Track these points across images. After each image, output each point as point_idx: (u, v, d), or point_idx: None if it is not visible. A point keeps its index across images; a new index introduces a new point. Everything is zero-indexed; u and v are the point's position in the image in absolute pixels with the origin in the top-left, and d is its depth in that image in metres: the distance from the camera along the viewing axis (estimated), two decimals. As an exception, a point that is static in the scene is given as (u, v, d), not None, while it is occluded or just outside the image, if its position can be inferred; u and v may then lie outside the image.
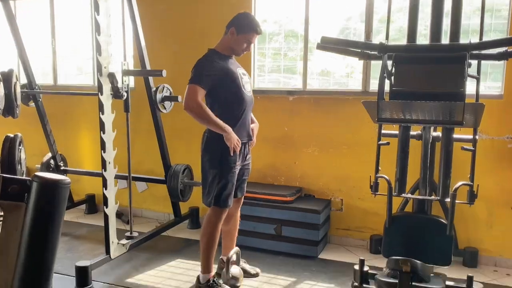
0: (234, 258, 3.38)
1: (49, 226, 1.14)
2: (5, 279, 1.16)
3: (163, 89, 3.98)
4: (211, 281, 3.10)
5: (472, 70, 2.66)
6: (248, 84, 3.15)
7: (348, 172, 4.08)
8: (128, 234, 3.77)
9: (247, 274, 3.46)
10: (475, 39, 2.59)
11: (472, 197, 2.66)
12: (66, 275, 3.40)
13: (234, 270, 3.28)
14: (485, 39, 2.69)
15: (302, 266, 3.66)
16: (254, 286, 3.33)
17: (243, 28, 3.02)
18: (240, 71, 3.10)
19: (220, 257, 3.48)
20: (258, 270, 3.53)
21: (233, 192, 3.08)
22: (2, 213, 1.22)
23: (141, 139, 4.64)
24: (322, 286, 3.35)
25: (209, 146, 3.07)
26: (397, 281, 2.62)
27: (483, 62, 2.73)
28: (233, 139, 2.97)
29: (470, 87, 2.80)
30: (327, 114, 4.11)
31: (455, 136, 2.79)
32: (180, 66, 4.52)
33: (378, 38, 3.98)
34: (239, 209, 3.41)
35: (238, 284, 3.27)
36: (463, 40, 2.74)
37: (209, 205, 3.09)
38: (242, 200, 3.40)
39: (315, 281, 3.42)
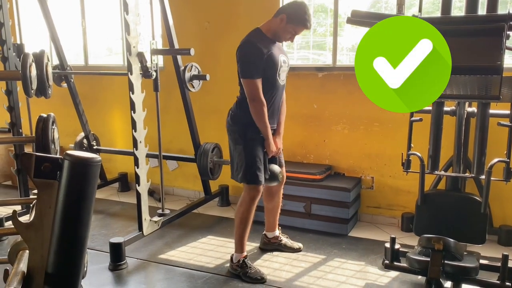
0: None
1: (81, 202, 1.16)
2: (41, 254, 1.19)
3: (191, 67, 3.98)
4: (241, 261, 3.14)
5: (510, 42, 2.55)
6: (285, 72, 3.12)
7: (379, 149, 4.02)
8: (160, 211, 3.84)
9: (288, 249, 3.51)
10: (514, 9, 2.47)
11: (508, 174, 2.60)
12: (101, 251, 3.51)
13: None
14: (525, 9, 2.57)
15: (332, 244, 3.65)
16: (283, 262, 3.36)
17: (294, 19, 2.96)
18: (282, 58, 3.05)
19: (263, 233, 3.56)
20: (300, 245, 3.57)
21: (262, 168, 3.07)
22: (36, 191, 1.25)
23: (171, 118, 4.68)
24: (352, 263, 3.34)
25: (234, 123, 3.09)
26: (428, 259, 2.59)
27: (522, 33, 2.61)
28: (272, 146, 3.06)
29: (508, 60, 2.69)
30: (358, 90, 3.97)
31: (491, 111, 2.71)
32: (208, 44, 4.52)
33: (410, 12, 3.86)
34: (282, 187, 3.44)
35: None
36: (501, 10, 2.62)
37: (240, 181, 3.11)
38: (285, 178, 3.41)
39: (345, 258, 3.42)
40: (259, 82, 2.92)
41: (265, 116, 2.97)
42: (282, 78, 3.08)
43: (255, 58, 2.90)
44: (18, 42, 4.14)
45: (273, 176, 3.17)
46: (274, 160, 3.22)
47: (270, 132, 3.04)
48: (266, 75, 2.96)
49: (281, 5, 4.20)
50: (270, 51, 2.95)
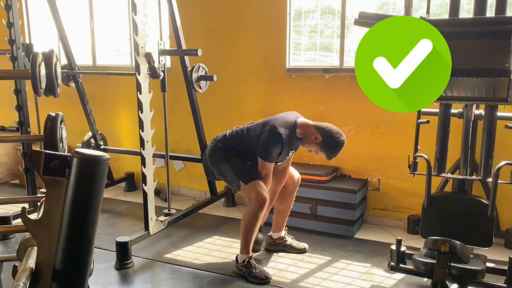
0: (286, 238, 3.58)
1: (89, 199, 1.18)
2: (49, 250, 1.21)
3: (198, 68, 4.00)
4: (247, 262, 3.15)
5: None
6: (285, 159, 3.29)
7: (386, 151, 4.01)
8: (166, 211, 3.85)
9: (294, 250, 3.52)
10: (522, 12, 2.46)
11: (515, 177, 2.58)
12: (107, 250, 3.52)
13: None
14: (533, 11, 2.57)
15: (337, 245, 3.65)
16: (288, 263, 3.36)
17: (324, 147, 3.11)
18: (291, 153, 3.29)
19: (269, 234, 3.57)
20: (305, 245, 3.58)
21: (249, 167, 3.18)
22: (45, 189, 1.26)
23: (178, 118, 4.70)
24: (358, 265, 3.33)
25: (214, 152, 3.30)
26: (435, 261, 2.59)
27: (531, 36, 2.60)
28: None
29: (516, 62, 2.67)
30: (364, 92, 4.02)
31: (498, 113, 2.70)
32: (216, 45, 4.54)
33: (418, 14, 3.85)
34: (297, 188, 3.50)
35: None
36: (509, 13, 2.61)
37: (239, 187, 3.18)
38: (299, 180, 3.51)
39: (350, 260, 3.41)
40: (272, 166, 3.15)
41: (259, 222, 3.18)
42: (278, 163, 3.29)
43: (276, 150, 3.08)
44: (27, 42, 4.17)
45: (257, 243, 3.41)
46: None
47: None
48: None
49: (288, 6, 4.22)
50: (286, 151, 3.15)
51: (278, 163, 3.27)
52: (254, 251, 3.31)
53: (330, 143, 3.07)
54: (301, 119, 3.18)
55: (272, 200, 3.37)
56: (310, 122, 3.15)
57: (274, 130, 3.06)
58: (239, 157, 3.22)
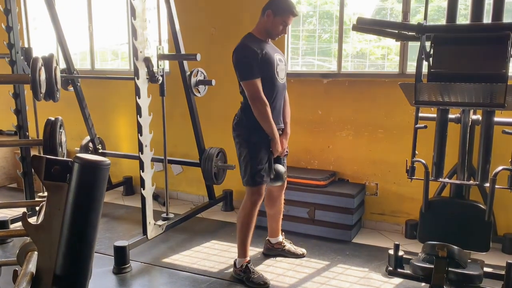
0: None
1: (90, 205, 1.18)
2: (50, 255, 1.21)
3: (197, 73, 4.01)
4: (244, 266, 3.15)
5: (515, 51, 2.56)
6: (283, 71, 3.14)
7: (384, 156, 4.03)
8: (164, 215, 3.85)
9: (292, 255, 3.52)
10: (519, 18, 2.48)
11: (513, 182, 2.59)
12: (105, 254, 3.52)
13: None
14: (530, 17, 2.59)
15: (335, 250, 3.65)
16: (286, 268, 3.36)
17: (280, 10, 2.99)
18: (277, 56, 3.09)
19: (266, 238, 3.57)
20: (303, 250, 3.58)
21: (266, 170, 3.08)
22: (46, 193, 1.26)
23: (176, 123, 4.70)
24: (356, 270, 3.34)
25: (238, 127, 3.13)
26: (432, 266, 2.59)
27: (527, 42, 2.62)
28: (278, 146, 3.07)
29: (513, 68, 2.69)
30: (362, 97, 4.05)
31: (496, 119, 2.72)
32: (214, 50, 4.55)
33: (415, 19, 3.88)
34: (283, 192, 3.46)
35: None
36: (506, 19, 2.64)
37: (245, 184, 3.13)
38: (286, 183, 3.44)
39: (348, 264, 3.42)
40: (258, 82, 2.95)
41: (269, 116, 2.99)
42: (281, 76, 3.11)
43: (251, 59, 2.94)
44: (26, 46, 4.18)
45: (278, 176, 3.19)
46: (279, 160, 3.23)
47: (276, 132, 3.05)
48: (264, 75, 2.99)
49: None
50: (264, 51, 2.99)
51: (279, 74, 3.07)
52: (271, 180, 3.15)
53: (278, 3, 3.00)
54: (253, 29, 3.11)
55: (287, 125, 3.25)
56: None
57: (236, 48, 3.01)
58: (262, 146, 3.05)
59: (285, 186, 3.47)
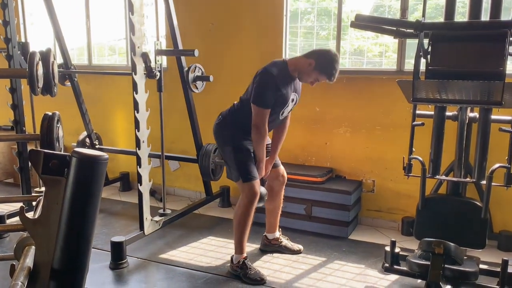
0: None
1: (87, 199, 1.18)
2: (47, 250, 1.21)
3: (195, 69, 4.00)
4: (241, 262, 3.15)
5: (513, 49, 2.57)
6: (289, 108, 3.18)
7: (381, 153, 4.03)
8: (161, 211, 3.85)
9: (289, 251, 3.53)
10: (517, 16, 2.49)
11: (509, 179, 2.61)
12: (102, 250, 3.52)
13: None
14: (528, 15, 2.59)
15: (332, 246, 3.66)
16: (283, 264, 3.37)
17: (321, 68, 2.99)
18: (292, 96, 3.12)
19: (264, 234, 3.57)
20: (300, 246, 3.59)
21: (253, 163, 3.12)
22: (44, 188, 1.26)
23: (174, 118, 4.69)
24: (352, 266, 3.35)
25: (221, 127, 3.21)
26: (429, 263, 2.61)
27: (525, 40, 2.63)
28: (262, 170, 3.16)
29: (510, 66, 2.71)
30: (360, 94, 4.05)
31: (493, 117, 2.72)
32: (212, 46, 4.54)
33: (413, 16, 3.88)
34: (284, 187, 3.48)
35: None
36: (504, 17, 2.64)
37: (236, 179, 3.15)
38: (286, 178, 3.48)
39: (345, 261, 3.43)
40: (267, 113, 3.00)
41: (264, 144, 3.09)
42: (284, 114, 3.17)
43: (270, 92, 2.97)
44: (23, 40, 4.16)
45: (260, 198, 3.25)
46: (261, 181, 3.26)
47: (264, 157, 3.14)
48: (271, 111, 3.04)
49: (285, 7, 4.23)
50: (284, 91, 3.01)
51: (285, 112, 3.15)
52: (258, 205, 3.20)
53: (324, 61, 2.98)
54: (290, 58, 3.12)
55: (276, 151, 3.31)
56: (298, 55, 3.10)
57: (264, 72, 2.99)
58: (245, 145, 3.11)
59: (285, 182, 3.49)
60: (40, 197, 1.77)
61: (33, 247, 1.34)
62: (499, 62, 2.46)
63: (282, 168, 3.47)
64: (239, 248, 3.19)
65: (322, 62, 2.97)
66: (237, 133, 3.13)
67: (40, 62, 2.09)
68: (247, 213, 3.12)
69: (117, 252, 3.30)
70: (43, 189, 1.26)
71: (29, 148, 4.02)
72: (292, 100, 3.13)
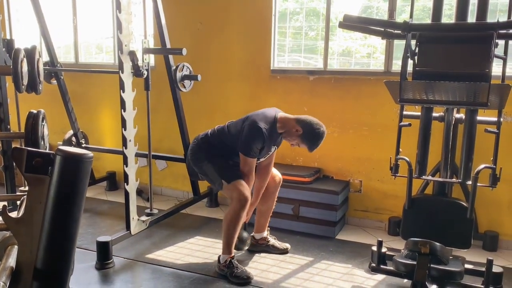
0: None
1: (72, 198, 1.16)
2: (30, 249, 1.19)
3: (183, 67, 3.98)
4: (228, 262, 3.15)
5: (498, 51, 2.60)
6: (267, 156, 3.28)
7: (368, 153, 4.05)
8: (148, 211, 3.82)
9: (276, 250, 3.53)
10: (503, 18, 2.51)
11: (494, 180, 2.63)
12: (88, 249, 3.48)
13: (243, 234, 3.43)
14: (513, 18, 2.62)
15: (319, 246, 3.67)
16: (270, 264, 3.37)
17: (305, 139, 3.10)
18: (272, 148, 3.27)
19: (251, 234, 3.57)
20: (287, 245, 3.59)
21: (231, 166, 3.18)
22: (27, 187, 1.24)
23: (161, 117, 4.67)
24: (339, 266, 3.36)
25: (196, 150, 3.32)
26: (415, 263, 2.62)
27: (510, 42, 2.66)
28: (244, 217, 3.21)
29: (496, 68, 2.73)
30: (348, 94, 4.07)
31: (478, 118, 2.75)
32: (200, 45, 4.52)
33: (401, 18, 3.90)
34: (278, 189, 3.50)
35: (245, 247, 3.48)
36: (490, 19, 2.66)
37: (220, 186, 3.18)
38: (281, 180, 3.51)
39: (332, 261, 3.43)
40: (254, 161, 3.15)
41: (240, 223, 3.15)
42: (260, 160, 3.27)
43: (257, 145, 3.08)
44: (8, 37, 4.09)
45: (242, 242, 3.37)
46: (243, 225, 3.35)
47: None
48: None
49: (273, 8, 4.23)
50: (267, 146, 3.14)
51: (261, 159, 3.27)
52: (238, 249, 3.32)
53: (311, 135, 3.08)
54: (281, 114, 3.20)
55: (257, 198, 3.38)
56: (290, 116, 3.17)
57: (254, 125, 3.06)
58: (221, 156, 3.23)
59: (281, 184, 3.50)
60: (24, 196, 1.74)
61: (16, 246, 1.32)
62: (485, 64, 2.49)
63: (277, 170, 3.51)
64: (227, 249, 3.18)
65: (308, 135, 3.09)
66: (212, 151, 3.25)
67: (25, 59, 2.06)
68: (237, 217, 3.11)
69: (103, 252, 3.27)
70: (27, 188, 1.24)
71: (14, 146, 3.96)
72: (271, 150, 3.26)
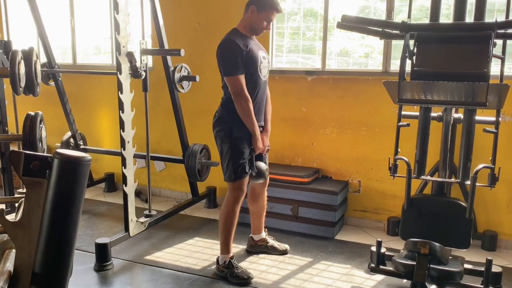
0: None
1: (70, 202, 1.15)
2: (28, 253, 1.18)
3: (181, 68, 3.98)
4: (228, 262, 3.14)
5: (497, 50, 2.60)
6: (266, 68, 3.14)
7: (367, 153, 4.05)
8: (146, 212, 3.81)
9: (275, 251, 3.52)
10: (501, 18, 2.51)
11: (493, 180, 2.63)
12: (86, 251, 3.48)
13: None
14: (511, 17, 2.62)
15: (318, 247, 3.67)
16: (270, 265, 3.36)
17: (264, 6, 3.00)
18: (261, 54, 3.09)
19: (250, 235, 3.56)
20: (286, 246, 3.58)
21: (247, 165, 3.09)
22: (25, 190, 1.23)
23: (160, 119, 4.66)
24: (339, 266, 3.35)
25: (219, 123, 3.12)
26: (414, 263, 2.62)
27: (508, 41, 2.66)
28: (260, 143, 3.08)
29: (494, 67, 2.73)
30: (346, 94, 4.07)
31: (477, 117, 2.75)
32: (198, 45, 4.52)
33: (399, 18, 3.90)
34: (266, 189, 3.45)
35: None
36: (488, 19, 2.66)
37: (228, 179, 3.12)
38: (268, 180, 3.43)
39: (331, 261, 3.43)
40: (242, 78, 2.95)
41: (252, 112, 2.99)
42: (263, 73, 3.11)
43: (236, 55, 2.93)
44: (6, 39, 4.08)
45: (259, 173, 3.19)
46: (260, 157, 3.23)
47: (257, 129, 3.06)
48: (247, 72, 2.99)
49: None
50: (249, 47, 2.99)
51: (262, 72, 3.08)
52: (253, 177, 3.17)
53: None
54: (237, 24, 3.12)
55: (268, 121, 3.24)
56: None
57: (221, 42, 3.01)
58: (243, 142, 3.05)
59: (268, 183, 3.46)
60: (22, 199, 1.73)
61: (14, 250, 1.31)
62: (483, 64, 2.49)
63: None
64: (225, 248, 3.17)
65: (261, 1, 3.00)
66: (235, 126, 3.04)
67: (22, 61, 2.06)
68: (232, 212, 3.10)
69: (102, 253, 3.26)
70: (25, 191, 1.23)
71: (12, 149, 3.95)
72: (263, 57, 3.09)
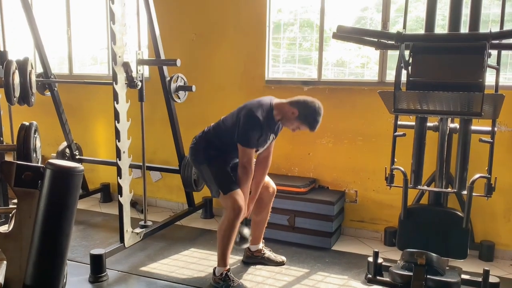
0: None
1: (62, 212, 1.14)
2: (19, 265, 1.17)
3: (177, 78, 3.98)
4: (224, 275, 3.11)
5: (491, 61, 2.61)
6: (265, 147, 3.23)
7: (363, 163, 4.04)
8: (142, 223, 3.79)
9: (272, 263, 3.50)
10: (495, 29, 2.53)
11: (489, 190, 2.62)
12: (81, 262, 3.45)
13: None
14: (506, 28, 2.64)
15: (315, 257, 3.64)
16: (266, 276, 3.34)
17: (304, 119, 3.06)
18: (272, 136, 3.21)
19: (247, 247, 3.52)
20: (283, 258, 3.56)
21: (229, 174, 3.15)
22: (16, 200, 1.22)
23: (156, 129, 4.65)
24: (335, 277, 3.33)
25: (196, 149, 3.26)
26: (411, 274, 2.60)
27: (503, 52, 2.67)
28: (244, 211, 3.12)
29: (489, 77, 2.74)
30: (342, 105, 4.07)
31: (473, 127, 2.75)
32: (195, 56, 4.53)
33: (394, 28, 3.92)
34: (273, 200, 3.46)
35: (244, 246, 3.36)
36: (482, 29, 2.68)
37: (217, 194, 3.13)
38: (275, 190, 3.47)
39: (328, 272, 3.41)
40: (253, 152, 3.08)
41: (249, 182, 3.13)
42: (259, 151, 3.24)
43: (255, 134, 3.04)
44: (1, 49, 4.08)
45: (243, 239, 3.24)
46: (244, 220, 3.28)
47: (248, 195, 3.17)
48: None
49: (268, 19, 4.25)
50: (265, 134, 3.10)
51: (260, 149, 3.21)
52: (238, 245, 3.23)
53: (308, 113, 3.04)
54: (276, 100, 3.16)
55: (256, 191, 3.31)
56: (284, 100, 3.13)
57: (251, 114, 3.02)
58: (219, 157, 3.17)
59: (275, 194, 3.47)
60: (15, 210, 1.71)
61: (5, 262, 1.29)
62: (479, 74, 2.49)
63: (271, 180, 3.48)
64: (222, 261, 3.15)
65: (305, 113, 3.04)
66: (211, 151, 3.19)
67: (17, 71, 2.05)
68: (232, 227, 3.09)
69: (97, 265, 3.23)
70: (17, 202, 1.22)
71: (6, 159, 3.93)
72: (270, 138, 3.21)
